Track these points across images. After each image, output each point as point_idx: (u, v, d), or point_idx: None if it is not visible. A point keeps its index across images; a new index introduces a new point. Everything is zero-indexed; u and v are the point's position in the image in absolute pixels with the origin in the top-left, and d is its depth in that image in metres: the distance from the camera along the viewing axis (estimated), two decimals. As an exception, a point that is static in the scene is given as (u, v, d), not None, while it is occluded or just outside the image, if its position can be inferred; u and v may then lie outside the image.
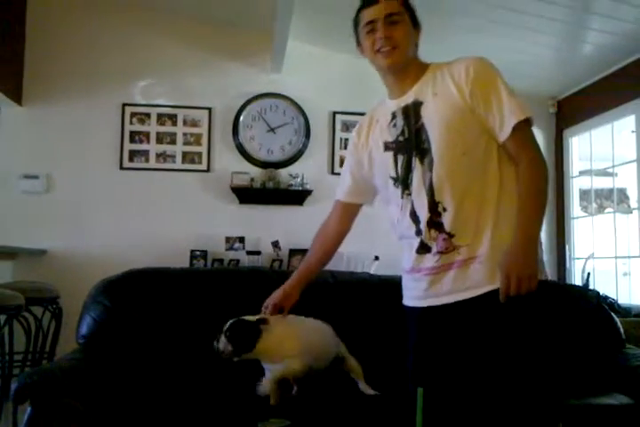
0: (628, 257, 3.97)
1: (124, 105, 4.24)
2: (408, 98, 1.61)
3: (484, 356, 1.48)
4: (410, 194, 1.59)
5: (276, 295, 1.94)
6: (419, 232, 1.58)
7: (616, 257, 4.01)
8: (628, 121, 3.93)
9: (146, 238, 4.10)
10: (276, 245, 4.14)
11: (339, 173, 4.32)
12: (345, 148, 4.45)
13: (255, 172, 4.30)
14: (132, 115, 4.25)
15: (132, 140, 4.24)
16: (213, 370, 2.17)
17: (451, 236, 1.52)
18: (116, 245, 4.07)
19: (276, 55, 4.08)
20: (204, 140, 4.32)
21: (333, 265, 4.13)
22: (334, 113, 4.45)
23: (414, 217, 1.59)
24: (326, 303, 2.36)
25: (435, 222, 1.54)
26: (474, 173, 1.53)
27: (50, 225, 4.07)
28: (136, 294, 2.29)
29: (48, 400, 1.73)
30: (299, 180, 4.26)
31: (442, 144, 1.53)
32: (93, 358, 2.09)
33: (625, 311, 3.32)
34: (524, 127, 1.51)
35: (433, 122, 1.55)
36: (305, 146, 4.38)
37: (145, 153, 4.25)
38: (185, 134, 4.31)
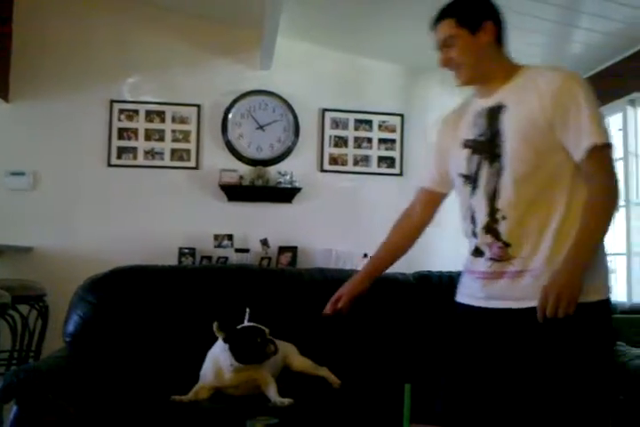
0: (614, 254, 3.99)
1: (112, 102, 4.21)
2: (493, 100, 1.59)
3: (526, 365, 1.49)
4: (475, 195, 1.60)
5: (348, 286, 1.88)
6: (474, 234, 1.59)
7: (603, 255, 4.03)
8: (616, 119, 3.95)
9: (134, 236, 4.08)
10: (264, 242, 4.13)
11: (328, 171, 4.43)
12: (334, 145, 4.46)
13: (244, 169, 4.29)
14: (120, 111, 4.22)
15: (119, 137, 4.21)
16: (201, 367, 2.16)
17: (507, 245, 1.52)
18: (104, 242, 4.04)
19: (266, 52, 4.06)
20: (193, 137, 4.29)
21: (323, 262, 4.15)
22: (324, 110, 4.44)
23: (472, 218, 1.60)
24: (315, 301, 2.35)
25: (491, 229, 1.55)
26: (543, 187, 1.51)
27: (36, 222, 4.03)
28: (123, 292, 2.27)
29: (34, 399, 1.71)
30: (288, 177, 4.25)
31: (515, 154, 1.51)
32: (80, 357, 2.08)
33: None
34: (601, 151, 1.47)
35: (510, 130, 1.53)
36: (294, 143, 4.37)
37: (133, 150, 4.22)
38: (173, 131, 4.28)
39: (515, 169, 1.51)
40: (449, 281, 2.50)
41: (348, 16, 3.88)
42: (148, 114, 4.25)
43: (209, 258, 4.06)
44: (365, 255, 4.08)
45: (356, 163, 4.46)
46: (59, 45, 4.18)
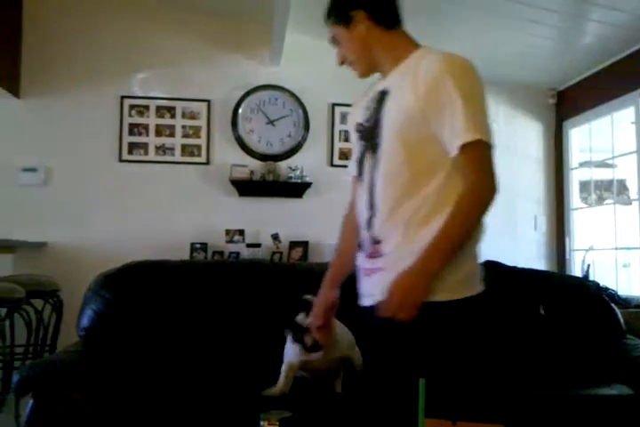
0: (628, 248, 3.97)
1: (123, 97, 4.22)
2: (383, 84, 1.50)
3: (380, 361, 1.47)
4: (361, 186, 1.51)
5: (321, 304, 1.66)
6: (360, 227, 1.52)
7: (616, 248, 4.02)
8: (628, 112, 3.92)
9: (146, 231, 4.10)
10: (275, 237, 4.14)
11: (338, 166, 4.43)
12: (345, 140, 4.45)
13: (254, 164, 4.29)
14: (131, 107, 4.24)
15: (130, 133, 4.23)
16: (214, 362, 2.18)
17: (378, 242, 1.44)
18: (116, 237, 4.07)
19: (275, 47, 4.06)
20: (203, 132, 4.30)
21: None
22: (333, 105, 4.43)
23: (361, 211, 1.51)
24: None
25: (370, 224, 1.46)
26: (411, 184, 1.39)
27: (49, 218, 4.06)
28: (136, 287, 2.29)
29: (50, 392, 1.73)
30: (298, 172, 4.25)
31: (387, 146, 1.42)
32: (94, 351, 2.10)
33: (625, 302, 3.32)
34: (475, 147, 1.34)
35: (387, 118, 1.43)
36: (304, 138, 4.37)
37: (144, 145, 4.24)
38: (184, 127, 4.29)
39: (386, 163, 1.42)
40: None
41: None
42: (159, 109, 4.27)
43: (220, 253, 4.08)
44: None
45: (366, 157, 4.45)
46: (69, 42, 4.20)
